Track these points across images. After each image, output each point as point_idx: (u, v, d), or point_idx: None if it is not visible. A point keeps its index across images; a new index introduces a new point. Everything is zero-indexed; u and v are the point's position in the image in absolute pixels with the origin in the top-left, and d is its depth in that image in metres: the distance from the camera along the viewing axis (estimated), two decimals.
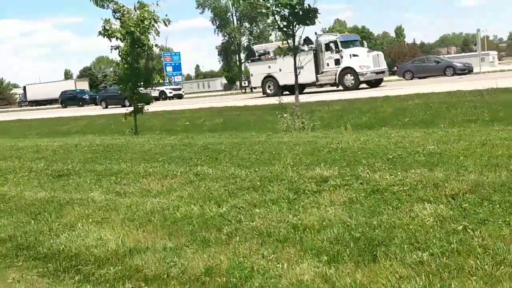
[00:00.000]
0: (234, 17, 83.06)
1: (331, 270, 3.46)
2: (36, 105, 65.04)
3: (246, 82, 41.89)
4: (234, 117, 18.53)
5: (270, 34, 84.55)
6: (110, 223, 5.10)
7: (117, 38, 13.17)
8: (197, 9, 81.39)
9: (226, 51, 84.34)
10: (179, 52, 61.29)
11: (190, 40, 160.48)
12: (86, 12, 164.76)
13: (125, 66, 13.75)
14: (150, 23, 13.07)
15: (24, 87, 78.47)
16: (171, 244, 4.36)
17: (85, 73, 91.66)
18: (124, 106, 40.30)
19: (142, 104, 14.03)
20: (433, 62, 35.65)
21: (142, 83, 14.00)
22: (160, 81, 16.33)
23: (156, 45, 13.73)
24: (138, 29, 12.90)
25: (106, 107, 38.99)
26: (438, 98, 16.47)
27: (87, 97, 51.85)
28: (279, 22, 10.69)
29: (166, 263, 4.02)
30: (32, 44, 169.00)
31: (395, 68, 70.44)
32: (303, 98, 14.83)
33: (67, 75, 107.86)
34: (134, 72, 13.74)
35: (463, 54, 74.09)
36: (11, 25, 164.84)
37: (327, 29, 76.69)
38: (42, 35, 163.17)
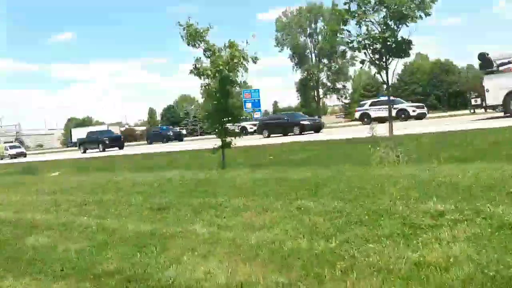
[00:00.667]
0: (313, 54, 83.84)
1: None
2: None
3: (476, 99, 34.83)
4: (319, 152, 18.31)
5: (349, 70, 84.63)
6: (216, 256, 5.03)
7: (207, 76, 13.47)
8: (275, 47, 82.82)
9: (305, 87, 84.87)
10: (258, 90, 62.36)
11: (269, 77, 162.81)
12: (170, 53, 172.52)
13: (214, 102, 13.99)
14: (239, 61, 13.29)
15: (70, 130, 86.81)
16: (283, 279, 4.20)
17: (168, 111, 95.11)
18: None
19: (231, 138, 14.14)
20: None
21: (230, 119, 14.15)
22: (248, 117, 16.42)
23: (244, 82, 13.88)
24: (227, 67, 13.13)
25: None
26: None
27: (171, 134, 53.61)
28: (371, 55, 10.50)
29: None
30: (119, 85, 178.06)
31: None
32: (386, 132, 14.34)
33: (151, 114, 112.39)
34: (223, 108, 13.94)
35: None
36: (101, 67, 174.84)
37: (408, 63, 75.54)
38: (128, 76, 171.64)
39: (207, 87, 13.90)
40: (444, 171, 7.31)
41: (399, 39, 10.15)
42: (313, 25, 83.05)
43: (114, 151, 39.96)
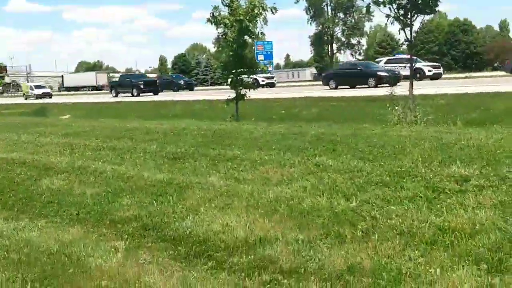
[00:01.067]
0: (329, 7, 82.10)
1: (494, 280, 3.11)
2: (70, 91, 78.18)
3: None
4: (331, 108, 18.13)
5: (364, 25, 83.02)
6: (234, 210, 4.99)
7: (225, 25, 13.19)
8: None
9: (319, 41, 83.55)
10: (271, 42, 61.29)
11: (282, 29, 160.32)
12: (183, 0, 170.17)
13: (231, 53, 13.76)
14: (259, 11, 12.97)
15: (62, 76, 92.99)
16: (303, 237, 4.16)
17: (179, 59, 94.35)
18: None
19: (245, 90, 14.00)
20: None
21: (246, 70, 13.96)
22: (264, 70, 16.21)
23: (262, 33, 13.60)
24: (247, 17, 12.84)
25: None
26: None
27: (182, 82, 53.26)
28: (395, 10, 10.17)
29: (302, 256, 3.83)
30: (131, 30, 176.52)
31: (497, 63, 66.88)
32: (403, 91, 14.08)
33: (162, 61, 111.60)
34: (239, 59, 13.73)
35: None
36: (113, 12, 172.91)
37: (425, 21, 73.89)
38: (141, 22, 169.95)
39: (224, 36, 13.64)
40: (466, 134, 7.18)
41: None
42: None
43: (130, 97, 39.75)
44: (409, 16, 10.04)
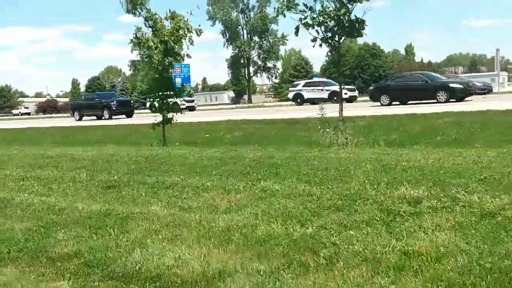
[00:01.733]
0: (244, 31, 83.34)
1: None
2: None
3: None
4: (255, 131, 18.17)
5: (279, 49, 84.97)
6: (185, 241, 4.71)
7: (149, 47, 12.88)
8: (207, 21, 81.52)
9: (236, 64, 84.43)
10: (189, 64, 61.03)
11: (198, 52, 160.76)
12: (95, 21, 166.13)
13: (156, 75, 13.45)
14: (184, 33, 12.80)
15: None
16: (264, 267, 3.97)
17: (93, 83, 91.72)
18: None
19: (172, 114, 13.71)
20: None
21: (173, 94, 13.70)
22: (191, 93, 15.98)
23: (188, 55, 13.40)
24: (173, 38, 12.62)
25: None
26: (468, 117, 16.21)
27: None
28: (323, 33, 10.36)
29: None
30: (41, 52, 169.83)
31: None
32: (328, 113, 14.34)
33: (74, 85, 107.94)
34: (165, 81, 13.45)
35: (472, 74, 73.61)
36: (20, 33, 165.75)
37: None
38: (51, 43, 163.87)
39: (148, 58, 13.31)
40: (403, 155, 7.33)
41: (352, 18, 10.05)
42: (245, 1, 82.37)
43: (34, 121, 37.81)
44: (336, 39, 10.24)
